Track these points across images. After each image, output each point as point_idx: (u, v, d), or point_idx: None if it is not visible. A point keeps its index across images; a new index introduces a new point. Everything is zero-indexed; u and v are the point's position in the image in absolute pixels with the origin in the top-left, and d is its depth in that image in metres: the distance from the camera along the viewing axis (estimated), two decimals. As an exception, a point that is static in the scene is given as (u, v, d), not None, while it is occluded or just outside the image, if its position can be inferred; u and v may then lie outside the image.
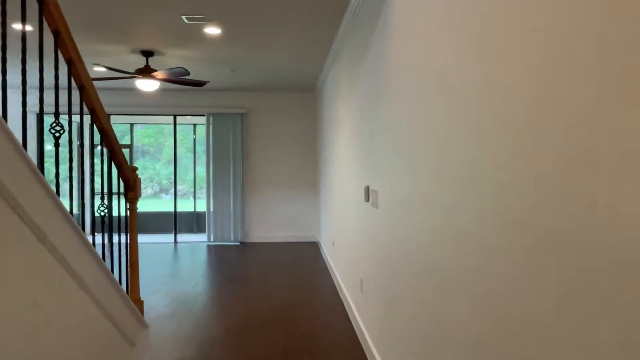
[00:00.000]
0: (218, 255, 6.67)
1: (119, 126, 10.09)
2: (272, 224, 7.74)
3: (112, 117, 7.98)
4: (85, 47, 4.68)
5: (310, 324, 3.63)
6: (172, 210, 8.24)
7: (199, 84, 5.32)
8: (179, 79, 5.16)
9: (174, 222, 7.94)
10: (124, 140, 10.40)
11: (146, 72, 4.88)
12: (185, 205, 9.72)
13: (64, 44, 1.99)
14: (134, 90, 7.44)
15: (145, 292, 4.53)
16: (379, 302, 2.75)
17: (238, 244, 7.56)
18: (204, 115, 7.58)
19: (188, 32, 4.29)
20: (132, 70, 4.97)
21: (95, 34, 4.36)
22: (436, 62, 1.70)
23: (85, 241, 1.77)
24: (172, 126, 7.87)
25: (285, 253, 6.72)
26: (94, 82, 6.03)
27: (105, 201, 2.41)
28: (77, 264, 1.64)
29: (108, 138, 2.29)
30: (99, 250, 2.00)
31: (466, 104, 1.44)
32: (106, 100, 7.62)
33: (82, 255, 1.72)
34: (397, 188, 2.30)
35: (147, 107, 7.53)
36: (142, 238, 8.46)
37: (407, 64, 2.10)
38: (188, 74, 4.70)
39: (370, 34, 2.94)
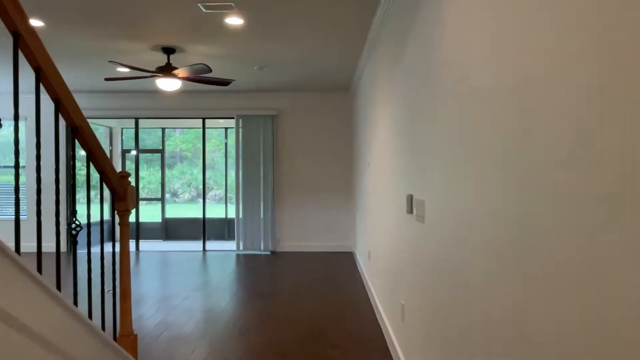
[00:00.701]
0: (246, 266, 6.27)
1: (149, 131, 9.93)
2: (305, 232, 7.29)
3: (140, 121, 7.80)
4: (105, 45, 4.42)
5: (342, 356, 3.12)
6: (215, 216, 7.89)
7: (223, 82, 4.95)
8: (202, 77, 4.80)
9: (203, 229, 7.62)
10: (155, 144, 10.26)
11: (167, 70, 4.54)
12: (219, 211, 9.43)
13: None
14: (161, 93, 7.20)
15: (163, 308, 4.17)
16: (426, 338, 2.20)
17: (268, 253, 7.14)
18: (233, 118, 7.23)
19: (208, 24, 3.90)
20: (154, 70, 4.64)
21: (113, 29, 4.04)
22: (510, 54, 1.17)
23: (37, 280, 1.34)
24: (204, 130, 7.56)
25: (318, 264, 6.23)
26: (115, 83, 5.75)
27: (84, 215, 1.98)
28: (22, 311, 1.21)
29: (83, 137, 1.87)
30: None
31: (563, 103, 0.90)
32: (133, 104, 7.43)
33: (32, 299, 1.29)
34: (452, 200, 1.77)
35: (175, 109, 7.26)
36: (171, 245, 8.24)
37: (463, 53, 1.58)
38: (210, 70, 4.32)
39: (414, 18, 2.42)
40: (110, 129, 9.27)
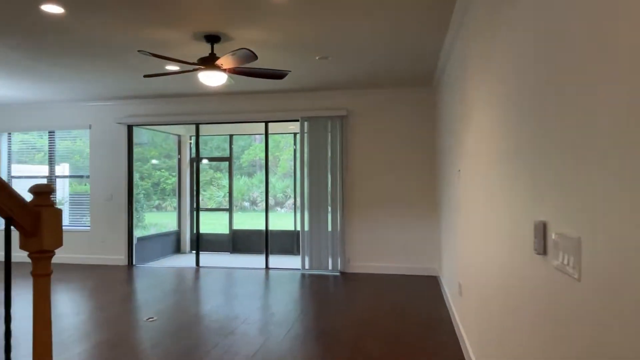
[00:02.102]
0: (309, 290, 5.40)
1: (225, 138, 9.47)
2: (379, 251, 6.26)
3: (201, 126, 7.31)
4: (139, 35, 3.77)
5: None
6: (286, 228, 7.19)
7: (277, 75, 4.15)
8: (253, 69, 4.04)
9: (265, 245, 6.89)
10: (220, 152, 9.82)
11: (210, 61, 3.83)
12: (290, 223, 8.72)
13: None
14: (222, 96, 6.63)
15: (200, 347, 3.38)
16: None
17: (337, 274, 6.22)
18: (297, 121, 6.45)
19: (258, 1, 3.11)
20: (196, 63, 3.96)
21: (147, 13, 3.41)
22: None
23: None
24: (267, 134, 6.86)
25: (394, 292, 5.18)
26: (172, 87, 5.14)
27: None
28: None
29: None
30: None
31: None
32: (192, 109, 6.90)
33: None
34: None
35: (235, 113, 6.64)
36: (235, 260, 7.60)
37: None
38: (255, 57, 3.52)
39: None
40: (179, 136, 8.99)
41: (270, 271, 6.52)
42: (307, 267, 6.37)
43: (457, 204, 3.82)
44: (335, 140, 6.31)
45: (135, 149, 7.18)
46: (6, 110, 7.37)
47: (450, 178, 4.30)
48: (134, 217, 8.59)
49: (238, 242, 8.70)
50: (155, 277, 6.14)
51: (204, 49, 4.07)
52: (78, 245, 7.15)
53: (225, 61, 3.69)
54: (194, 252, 8.50)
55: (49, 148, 7.45)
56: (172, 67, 4.80)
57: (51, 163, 7.46)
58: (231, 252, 8.57)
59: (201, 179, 11.41)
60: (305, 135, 6.39)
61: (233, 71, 3.99)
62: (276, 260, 7.16)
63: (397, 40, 4.08)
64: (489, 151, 2.45)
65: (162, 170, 9.16)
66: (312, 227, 6.36)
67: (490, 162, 2.40)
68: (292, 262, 6.87)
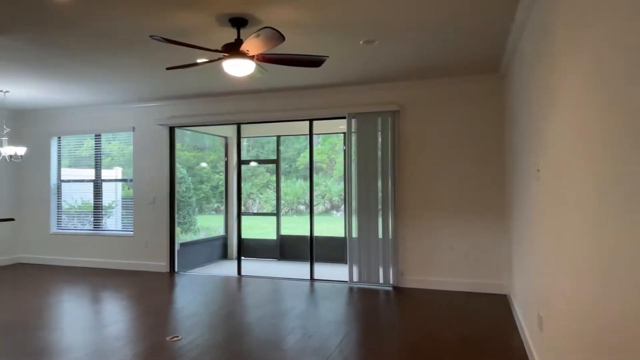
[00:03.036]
0: (356, 308, 4.76)
1: (283, 139, 9.08)
2: (437, 263, 5.50)
3: (247, 128, 6.92)
4: (162, 21, 3.34)
5: None
6: (338, 233, 6.64)
7: (313, 61, 3.58)
8: (285, 56, 3.50)
9: (310, 253, 6.33)
10: (293, 155, 9.39)
11: (235, 47, 3.33)
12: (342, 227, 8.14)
13: None
14: (263, 95, 6.18)
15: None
16: None
17: (389, 289, 5.53)
18: (344, 118, 5.85)
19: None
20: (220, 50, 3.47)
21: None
22: None
23: None
24: (311, 133, 6.31)
25: (457, 314, 4.42)
26: (209, 86, 4.67)
27: None
28: None
29: None
30: None
31: None
32: (230, 108, 6.47)
33: None
34: None
35: (277, 111, 6.16)
36: (280, 269, 7.10)
37: None
38: (281, 37, 2.97)
39: None
40: (226, 138, 8.71)
41: (315, 283, 5.95)
42: (355, 279, 5.74)
43: (536, 212, 3.04)
44: (386, 137, 5.64)
45: (191, 153, 6.93)
46: (56, 114, 7.39)
47: (526, 179, 3.50)
48: (187, 221, 8.40)
49: (286, 248, 8.24)
50: (192, 286, 5.77)
51: (230, 36, 3.59)
52: (122, 251, 6.99)
53: (251, 45, 3.17)
54: (244, 257, 8.15)
55: (95, 151, 7.38)
56: (202, 60, 4.39)
57: (97, 166, 7.38)
58: (278, 259, 8.12)
59: (258, 182, 11.08)
60: (353, 134, 5.78)
61: (262, 58, 3.47)
62: (323, 270, 6.59)
63: (457, 16, 3.37)
64: (591, 144, 1.72)
65: (221, 173, 8.93)
66: (360, 234, 5.72)
67: (591, 156, 1.67)
68: (340, 272, 6.26)
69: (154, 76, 5.18)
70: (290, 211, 11.56)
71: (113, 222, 7.41)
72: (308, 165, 6.56)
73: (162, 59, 4.43)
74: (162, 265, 6.75)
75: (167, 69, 3.74)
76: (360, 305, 4.82)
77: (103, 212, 7.36)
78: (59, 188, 7.56)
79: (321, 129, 7.32)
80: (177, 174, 8.62)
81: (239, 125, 6.56)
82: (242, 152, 6.79)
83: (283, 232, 8.32)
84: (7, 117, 7.38)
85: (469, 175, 5.39)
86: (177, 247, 6.81)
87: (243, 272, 6.58)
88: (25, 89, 5.82)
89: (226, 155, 8.82)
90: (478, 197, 5.34)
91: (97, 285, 5.82)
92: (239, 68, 3.44)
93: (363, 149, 5.72)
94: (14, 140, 7.43)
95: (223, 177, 8.85)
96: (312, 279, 6.15)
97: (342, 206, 11.98)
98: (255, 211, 11.02)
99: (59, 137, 7.53)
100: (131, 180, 7.05)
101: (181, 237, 8.06)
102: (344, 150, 7.83)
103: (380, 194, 5.65)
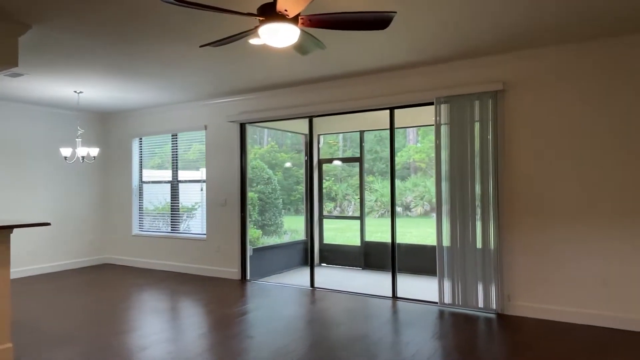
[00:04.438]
0: (447, 344, 3.72)
1: (375, 134, 8.29)
2: (559, 286, 4.22)
3: (321, 123, 6.20)
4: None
5: None
6: (432, 241, 5.67)
7: (377, 20, 2.68)
8: (338, 16, 2.65)
9: (392, 266, 5.35)
10: (372, 154, 8.59)
11: (271, 9, 2.57)
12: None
13: None
14: (338, 82, 5.38)
15: None
16: None
17: (492, 316, 4.39)
18: (432, 104, 4.82)
19: None
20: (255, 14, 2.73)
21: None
22: None
23: None
24: (392, 125, 5.34)
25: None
26: (275, 75, 3.85)
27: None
28: None
29: None
30: None
31: None
32: (299, 100, 5.35)
33: None
34: None
35: (354, 100, 5.31)
36: (361, 280, 6.17)
37: None
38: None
39: None
40: (306, 135, 8.09)
41: (398, 303, 4.99)
42: (447, 300, 4.68)
43: None
44: (484, 125, 4.49)
45: (277, 152, 6.43)
46: (136, 115, 7.36)
47: None
48: (273, 223, 7.94)
49: (370, 255, 7.37)
50: (259, 298, 5.17)
51: (270, -3, 2.84)
52: (195, 255, 6.68)
53: (288, 2, 2.38)
54: (324, 264, 7.46)
55: (172, 152, 7.20)
56: (256, 41, 3.72)
57: (174, 168, 7.20)
58: (363, 268, 7.29)
59: (354, 182, 10.37)
60: (443, 124, 4.72)
61: (308, 22, 2.67)
62: (408, 284, 5.61)
63: None
64: None
65: (300, 173, 8.43)
66: (453, 243, 4.65)
67: None
68: (430, 287, 5.22)
69: (219, 69, 4.67)
70: (386, 213, 10.70)
71: (198, 224, 7.16)
72: (406, 164, 5.61)
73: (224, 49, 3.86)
74: (234, 272, 6.28)
75: (201, 46, 3.10)
76: (453, 341, 3.77)
77: (180, 214, 7.15)
78: (140, 190, 7.53)
79: (407, 119, 6.30)
80: (264, 175, 8.25)
81: (310, 119, 5.84)
82: (337, 149, 6.07)
83: (374, 236, 7.48)
84: (93, 120, 7.54)
85: (604, 171, 4.03)
86: (249, 252, 6.31)
87: (319, 283, 5.84)
88: (102, 90, 5.72)
89: (307, 154, 8.18)
90: (618, 201, 3.96)
91: (164, 291, 5.50)
92: (278, 35, 2.66)
93: (456, 139, 4.64)
94: (99, 142, 7.57)
95: (304, 176, 8.27)
96: (394, 296, 5.19)
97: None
98: (350, 214, 10.26)
99: (140, 139, 7.50)
100: (204, 181, 6.72)
101: (265, 241, 7.61)
102: (435, 143, 6.74)
103: (479, 195, 4.52)
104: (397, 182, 10.60)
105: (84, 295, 5.44)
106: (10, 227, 3.28)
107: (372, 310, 4.67)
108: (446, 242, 4.70)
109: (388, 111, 5.20)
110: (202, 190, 6.87)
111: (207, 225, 6.56)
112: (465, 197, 4.59)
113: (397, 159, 9.93)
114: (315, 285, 5.77)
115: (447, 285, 4.69)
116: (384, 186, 10.29)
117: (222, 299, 5.21)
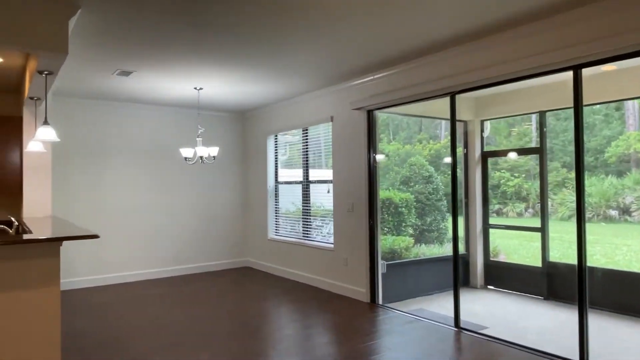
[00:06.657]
0: None
1: (564, 118, 6.41)
2: None
3: (482, 105, 4.63)
4: None
5: None
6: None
7: None
8: None
9: (579, 301, 3.48)
10: (520, 141, 6.50)
11: None
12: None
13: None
14: (489, 41, 3.78)
15: None
16: None
17: None
18: (631, 57, 2.87)
19: None
20: None
21: None
22: None
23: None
24: (578, 89, 3.45)
25: None
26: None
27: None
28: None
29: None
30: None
31: None
32: (438, 71, 3.59)
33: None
34: None
35: (512, 61, 3.62)
36: (539, 318, 4.01)
37: None
38: None
39: None
40: (465, 123, 6.50)
41: (588, 373, 3.14)
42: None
43: None
44: None
45: (430, 144, 5.24)
46: (269, 111, 6.89)
47: None
48: (435, 229, 6.60)
49: (557, 281, 5.40)
50: (389, 336, 3.95)
51: None
52: (323, 266, 5.80)
53: None
54: (492, 287, 5.82)
55: (302, 149, 6.47)
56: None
57: (305, 166, 6.45)
58: (545, 298, 5.38)
59: (551, 179, 8.25)
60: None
61: None
62: (612, 331, 3.63)
63: None
64: None
65: (502, 170, 6.90)
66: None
67: None
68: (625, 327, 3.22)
69: (335, 43, 3.66)
70: (595, 217, 8.25)
71: (327, 231, 6.33)
72: (623, 157, 3.76)
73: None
74: (362, 293, 5.17)
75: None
76: None
77: (311, 220, 6.38)
78: (275, 190, 7.04)
79: (618, 90, 4.24)
80: (423, 172, 6.97)
81: (452, 96, 4.30)
82: (530, 139, 4.54)
83: (569, 252, 5.55)
84: (229, 119, 7.36)
85: None
86: (380, 269, 5.11)
87: (472, 316, 4.32)
88: (223, 85, 5.32)
89: (465, 146, 6.56)
90: None
91: (288, 307, 4.75)
92: None
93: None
94: (238, 141, 7.36)
95: (507, 175, 6.77)
96: (583, 358, 3.33)
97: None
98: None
99: (275, 136, 7.00)
100: (331, 182, 5.78)
101: (422, 251, 6.37)
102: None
103: None
104: (611, 178, 8.01)
105: (217, 303, 5.07)
106: (59, 239, 2.87)
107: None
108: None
109: (571, 73, 3.38)
110: (328, 192, 5.94)
111: (335, 233, 5.61)
112: None
113: (609, 150, 7.42)
114: (465, 320, 4.22)
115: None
116: (590, 183, 7.80)
117: (350, 326, 4.20)
